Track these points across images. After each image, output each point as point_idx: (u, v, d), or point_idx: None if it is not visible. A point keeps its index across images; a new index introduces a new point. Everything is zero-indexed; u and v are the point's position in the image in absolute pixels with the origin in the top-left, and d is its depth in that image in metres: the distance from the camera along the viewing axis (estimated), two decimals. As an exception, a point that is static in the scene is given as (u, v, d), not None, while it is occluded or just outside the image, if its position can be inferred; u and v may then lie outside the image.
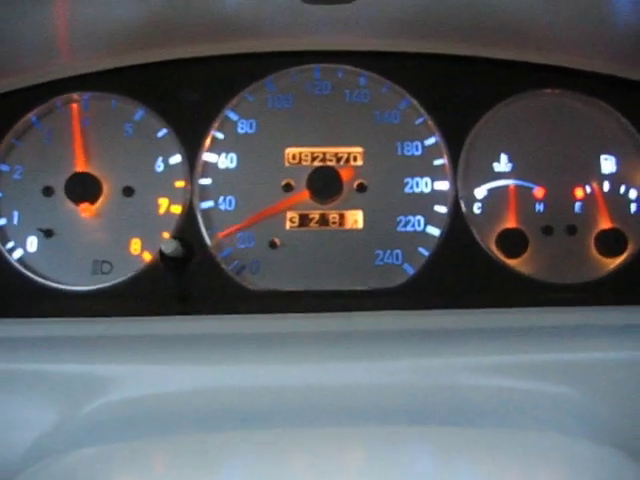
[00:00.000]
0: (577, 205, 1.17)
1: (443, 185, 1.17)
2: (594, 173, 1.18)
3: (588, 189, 1.18)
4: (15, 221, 1.18)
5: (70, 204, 1.16)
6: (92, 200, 1.16)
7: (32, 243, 1.17)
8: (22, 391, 1.01)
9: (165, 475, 0.81)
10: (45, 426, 0.98)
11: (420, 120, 1.19)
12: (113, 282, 1.14)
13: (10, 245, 1.16)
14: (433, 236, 1.16)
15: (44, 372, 1.01)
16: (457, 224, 1.16)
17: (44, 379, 1.00)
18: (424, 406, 0.95)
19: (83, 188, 1.16)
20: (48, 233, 1.16)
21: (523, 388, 0.98)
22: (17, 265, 1.15)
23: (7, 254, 1.16)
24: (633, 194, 1.18)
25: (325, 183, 1.15)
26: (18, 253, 1.16)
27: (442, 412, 0.94)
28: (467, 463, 0.82)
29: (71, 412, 0.98)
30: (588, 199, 1.17)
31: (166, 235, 1.15)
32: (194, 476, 0.80)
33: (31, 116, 1.19)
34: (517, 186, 1.17)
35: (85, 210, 1.17)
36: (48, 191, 1.18)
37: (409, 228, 1.16)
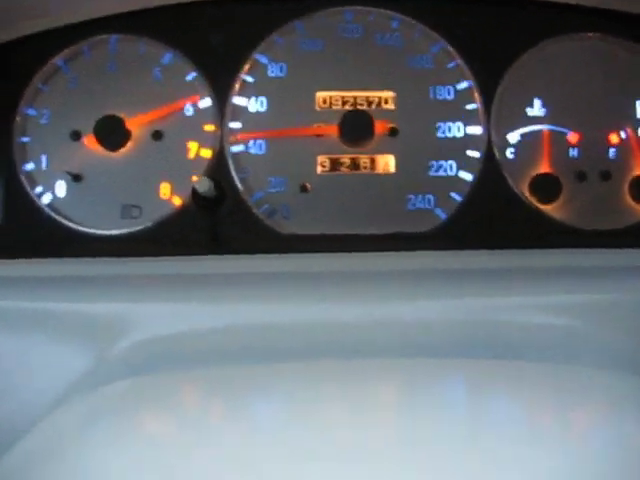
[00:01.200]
0: (611, 151, 1.16)
1: (476, 130, 1.15)
2: (629, 118, 1.16)
3: (623, 135, 1.16)
4: (43, 166, 1.17)
5: (98, 148, 1.15)
6: (121, 144, 1.15)
7: (61, 187, 1.16)
8: (54, 330, 1.01)
9: (206, 405, 0.81)
10: (78, 366, 0.98)
11: (452, 64, 1.17)
12: (143, 226, 1.13)
13: (39, 190, 1.16)
14: (465, 181, 1.14)
15: (71, 310, 1.01)
16: (490, 169, 1.14)
17: (71, 318, 1.00)
18: (457, 340, 0.95)
19: (111, 132, 1.15)
20: (77, 177, 1.16)
21: (557, 325, 0.97)
22: (46, 209, 1.15)
23: (36, 198, 1.15)
24: (669, 140, 1.16)
25: (357, 127, 1.14)
26: (47, 198, 1.15)
27: (476, 346, 0.94)
28: (495, 394, 0.82)
29: (103, 351, 0.98)
30: (623, 145, 1.16)
31: (196, 178, 1.14)
32: (237, 406, 0.79)
33: (57, 59, 1.18)
34: (551, 131, 1.16)
35: (113, 154, 1.16)
36: (76, 135, 1.16)
37: (441, 173, 1.15)
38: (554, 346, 0.93)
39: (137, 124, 1.16)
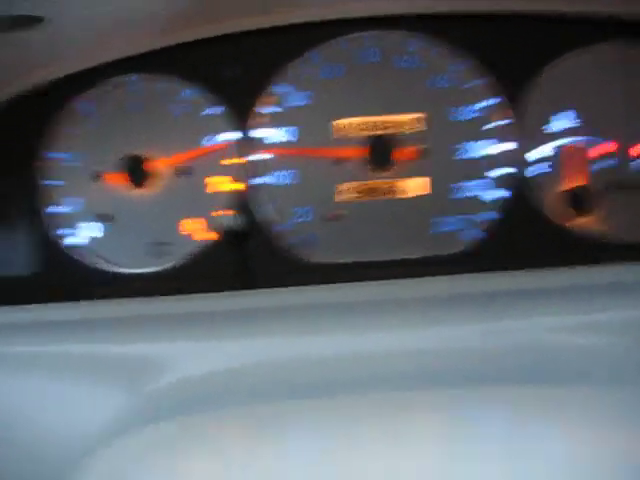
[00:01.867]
0: (645, 160, 1.13)
1: (502, 148, 1.13)
2: (659, 126, 1.13)
3: (655, 143, 1.13)
4: (70, 208, 1.17)
5: (124, 187, 1.16)
6: (145, 182, 1.16)
7: (88, 229, 1.16)
8: (88, 373, 1.01)
9: (237, 446, 0.79)
10: (113, 407, 0.97)
11: (476, 82, 1.15)
12: (172, 263, 1.13)
13: (67, 232, 1.16)
14: (497, 200, 1.12)
15: (108, 353, 1.01)
16: (520, 186, 1.12)
17: (108, 360, 1.00)
18: (488, 368, 0.92)
19: (136, 171, 1.15)
20: (104, 218, 1.16)
21: (599, 345, 0.94)
22: (74, 251, 1.15)
23: (64, 241, 1.16)
24: None
25: (381, 152, 1.12)
26: (75, 239, 1.16)
27: (508, 372, 0.91)
28: (543, 422, 0.79)
29: (138, 392, 0.98)
30: (656, 153, 1.13)
31: (221, 213, 1.13)
32: (264, 444, 0.78)
33: (79, 102, 1.19)
34: (582, 143, 1.13)
35: (139, 192, 1.16)
36: (101, 176, 1.17)
37: (469, 193, 1.13)
38: (595, 368, 0.89)
39: (163, 162, 1.16)
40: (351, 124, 1.15)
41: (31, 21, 0.97)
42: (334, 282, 1.05)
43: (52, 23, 1.02)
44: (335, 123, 1.15)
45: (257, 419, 0.82)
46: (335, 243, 1.13)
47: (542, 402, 0.80)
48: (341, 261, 1.12)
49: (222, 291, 1.05)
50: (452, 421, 0.80)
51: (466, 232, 1.12)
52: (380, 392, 0.85)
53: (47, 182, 1.18)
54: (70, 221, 1.17)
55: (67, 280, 1.14)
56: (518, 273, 1.01)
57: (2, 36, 1.02)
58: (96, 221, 1.16)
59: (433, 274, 1.04)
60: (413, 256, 1.11)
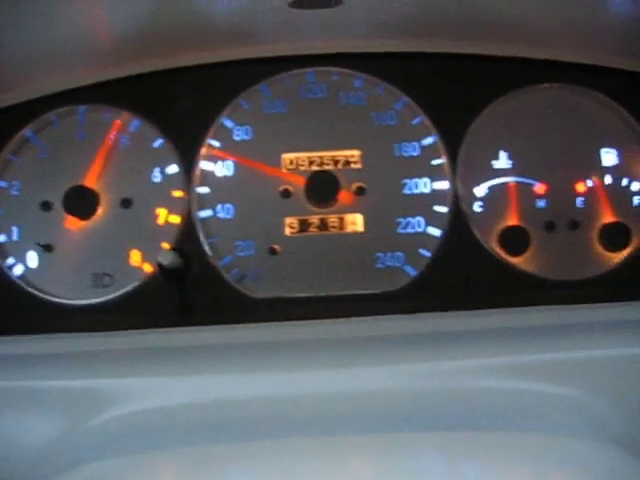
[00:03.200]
0: (579, 200, 1.16)
1: (442, 185, 1.16)
2: (595, 166, 1.17)
3: (590, 183, 1.16)
4: (14, 237, 1.17)
5: (69, 218, 1.16)
6: (90, 213, 1.16)
7: (32, 258, 1.16)
8: (26, 407, 1.01)
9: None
10: (48, 442, 0.97)
11: (417, 120, 1.18)
12: (114, 295, 1.14)
13: (10, 261, 1.16)
14: (434, 237, 1.14)
15: (47, 388, 1.01)
16: (458, 224, 1.14)
17: (47, 395, 1.00)
18: (429, 411, 0.94)
19: (81, 201, 1.16)
20: (48, 248, 1.16)
21: (530, 389, 0.96)
22: (18, 281, 1.15)
23: (7, 270, 1.16)
24: (636, 186, 1.16)
25: (323, 188, 1.14)
26: (18, 269, 1.16)
27: (447, 417, 0.93)
28: (475, 468, 0.81)
29: (74, 427, 0.98)
30: (590, 193, 1.16)
31: (165, 245, 1.14)
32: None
33: (26, 131, 1.19)
34: (517, 183, 1.16)
35: (83, 223, 1.16)
36: (46, 206, 1.17)
37: (410, 230, 1.15)
38: (526, 412, 0.91)
39: (106, 192, 1.17)
40: (295, 159, 1.17)
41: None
42: (277, 319, 1.06)
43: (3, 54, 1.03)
44: (280, 157, 1.17)
45: (192, 460, 0.83)
46: (278, 277, 1.14)
47: (470, 447, 0.82)
48: (283, 295, 1.13)
49: (162, 326, 1.05)
50: (378, 465, 0.81)
51: (404, 268, 1.14)
52: (310, 434, 0.87)
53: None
54: (12, 250, 1.17)
55: (6, 309, 1.14)
56: (451, 314, 1.03)
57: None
58: (40, 251, 1.16)
59: (373, 312, 1.06)
60: (355, 291, 1.13)
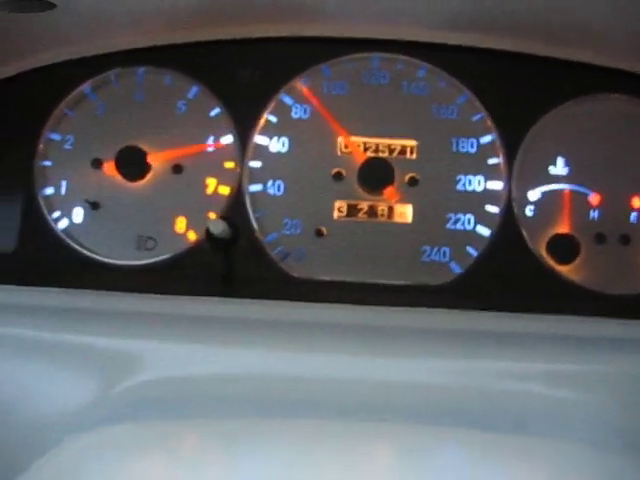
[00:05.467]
0: (633, 215, 1.14)
1: (496, 185, 1.15)
2: (652, 183, 1.15)
3: (646, 199, 1.15)
4: (63, 191, 1.17)
5: (118, 177, 1.16)
6: (141, 175, 1.16)
7: (78, 214, 1.17)
8: (62, 361, 1.01)
9: (196, 457, 0.80)
10: (81, 399, 0.98)
11: (477, 117, 1.16)
12: (156, 259, 1.14)
13: (56, 215, 1.16)
14: (483, 236, 1.13)
15: (84, 343, 1.01)
16: (508, 226, 1.13)
17: (84, 351, 1.00)
18: (455, 407, 0.93)
19: (132, 162, 1.16)
20: (94, 205, 1.16)
21: (562, 397, 0.95)
22: (62, 235, 1.15)
23: (53, 224, 1.16)
24: (692, 208, 1.15)
25: (376, 175, 1.13)
26: (64, 223, 1.16)
27: (474, 415, 0.92)
28: (496, 470, 0.81)
29: (108, 387, 0.98)
30: (645, 209, 1.14)
31: (212, 215, 1.14)
32: (222, 461, 0.79)
33: (85, 87, 1.19)
34: (572, 191, 1.14)
35: (132, 185, 1.16)
36: (97, 163, 1.17)
37: (459, 226, 1.14)
38: (552, 419, 0.91)
39: (158, 157, 1.17)
40: (351, 143, 1.16)
41: (43, 7, 0.97)
42: (317, 300, 1.05)
43: (63, 9, 1.03)
44: (336, 139, 1.16)
45: (220, 433, 0.83)
46: (321, 259, 1.14)
47: (496, 449, 0.81)
48: (326, 278, 1.13)
49: (202, 295, 1.05)
50: (403, 455, 0.81)
51: (449, 265, 1.13)
52: (341, 419, 0.86)
53: (45, 162, 1.18)
54: (59, 204, 1.17)
55: (49, 263, 1.14)
56: (491, 314, 1.02)
57: (13, 15, 1.02)
58: (86, 207, 1.16)
59: (413, 304, 1.05)
60: (398, 282, 1.13)
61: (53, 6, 0.99)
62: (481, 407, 0.91)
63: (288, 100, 1.17)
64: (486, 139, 1.16)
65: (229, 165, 1.16)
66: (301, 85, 1.18)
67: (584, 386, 0.95)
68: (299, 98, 1.18)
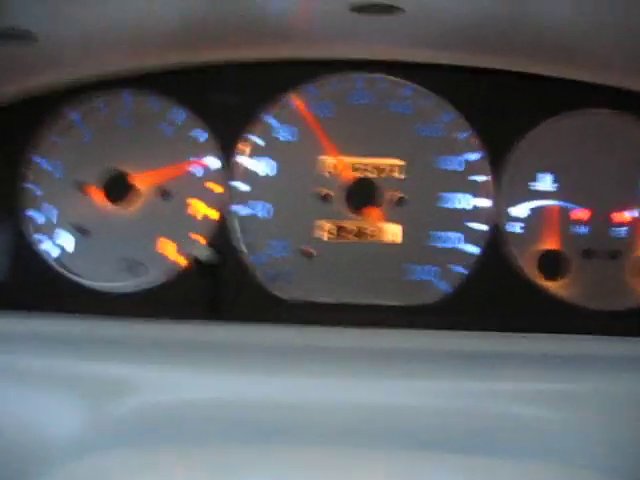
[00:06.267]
0: (620, 230, 1.14)
1: (483, 202, 1.15)
2: (639, 197, 1.15)
3: (633, 214, 1.14)
4: (50, 217, 1.18)
5: (106, 203, 1.16)
6: (128, 200, 1.16)
7: (66, 240, 1.17)
8: (49, 387, 1.01)
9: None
10: (69, 424, 0.97)
11: (463, 135, 1.16)
12: (145, 284, 1.14)
13: (44, 241, 1.17)
14: (471, 254, 1.13)
15: (72, 369, 1.01)
16: (496, 243, 1.13)
17: (72, 377, 1.00)
18: (444, 430, 0.93)
19: (120, 188, 1.16)
20: (83, 231, 1.16)
21: (552, 418, 0.95)
22: (51, 262, 1.16)
23: (41, 250, 1.16)
24: (680, 221, 1.15)
25: (364, 195, 1.14)
26: (52, 249, 1.16)
27: (462, 437, 0.92)
28: None
29: (95, 412, 0.98)
30: (632, 223, 1.14)
31: (200, 239, 1.14)
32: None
33: (72, 113, 1.19)
34: (559, 207, 1.15)
35: (120, 210, 1.16)
36: (85, 189, 1.17)
37: (446, 244, 1.14)
38: (538, 440, 0.90)
39: (145, 181, 1.17)
40: (337, 164, 1.16)
41: (26, 40, 0.98)
42: (305, 322, 1.05)
43: (45, 39, 1.03)
44: (322, 160, 1.16)
45: (208, 459, 0.83)
46: (308, 281, 1.13)
47: (484, 472, 0.81)
48: (314, 300, 1.13)
49: (191, 319, 1.05)
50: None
51: (438, 283, 1.13)
52: (321, 443, 0.86)
53: (32, 188, 1.18)
54: (47, 230, 1.17)
55: (37, 288, 1.15)
56: (481, 334, 1.02)
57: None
58: (74, 233, 1.16)
59: (403, 325, 1.05)
60: (386, 302, 1.13)
61: (35, 40, 0.99)
62: (471, 428, 0.91)
63: (273, 122, 1.17)
64: (472, 157, 1.16)
65: (215, 188, 1.16)
66: (286, 107, 1.18)
67: (575, 405, 0.94)
68: (284, 120, 1.18)
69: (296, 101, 1.18)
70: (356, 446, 0.86)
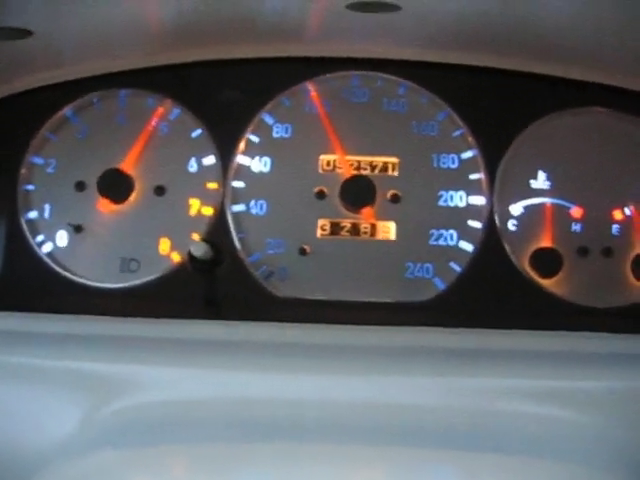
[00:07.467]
0: (615, 227, 1.14)
1: (478, 200, 1.15)
2: (634, 195, 1.15)
3: (627, 211, 1.15)
4: (46, 215, 1.18)
5: (101, 200, 1.16)
6: (123, 197, 1.16)
7: (62, 238, 1.17)
8: (44, 386, 1.00)
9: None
10: (63, 423, 0.97)
11: (458, 133, 1.17)
12: (140, 281, 1.14)
13: (40, 239, 1.17)
14: (466, 251, 1.14)
15: (67, 368, 1.01)
16: (491, 240, 1.13)
17: (67, 375, 1.00)
18: (443, 428, 0.93)
19: (115, 185, 1.16)
20: (78, 228, 1.16)
21: (548, 415, 0.95)
22: (46, 259, 1.16)
23: (36, 248, 1.16)
24: (675, 219, 1.15)
25: (359, 192, 1.14)
26: (47, 247, 1.16)
27: (459, 434, 0.92)
28: None
29: (90, 412, 0.98)
30: (626, 221, 1.14)
31: (195, 236, 1.14)
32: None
33: (67, 110, 1.19)
34: (554, 204, 1.15)
35: (116, 207, 1.16)
36: (80, 186, 1.17)
37: (441, 242, 1.14)
38: (539, 438, 0.90)
39: (141, 178, 1.17)
40: (333, 161, 1.16)
41: (21, 34, 0.98)
42: (301, 320, 1.05)
43: (41, 35, 1.03)
44: (318, 158, 1.17)
45: (204, 457, 0.83)
46: (305, 278, 1.14)
47: (488, 470, 0.81)
48: (310, 297, 1.13)
49: (186, 317, 1.05)
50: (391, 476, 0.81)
51: (433, 281, 1.13)
52: (319, 440, 0.86)
53: (28, 186, 1.18)
54: (43, 228, 1.17)
55: (33, 287, 1.14)
56: (475, 331, 1.02)
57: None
58: (70, 231, 1.16)
59: (398, 322, 1.05)
60: (382, 299, 1.13)
61: (30, 34, 0.99)
62: (468, 426, 0.91)
63: (269, 119, 1.18)
64: (467, 154, 1.16)
65: (212, 186, 1.16)
66: (282, 104, 1.18)
67: (571, 402, 0.95)
68: (280, 117, 1.18)
69: (292, 99, 1.18)
70: (354, 443, 0.86)
